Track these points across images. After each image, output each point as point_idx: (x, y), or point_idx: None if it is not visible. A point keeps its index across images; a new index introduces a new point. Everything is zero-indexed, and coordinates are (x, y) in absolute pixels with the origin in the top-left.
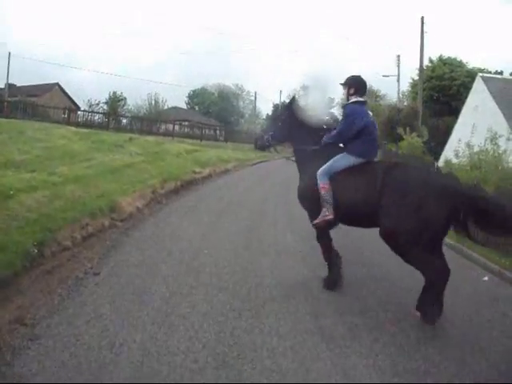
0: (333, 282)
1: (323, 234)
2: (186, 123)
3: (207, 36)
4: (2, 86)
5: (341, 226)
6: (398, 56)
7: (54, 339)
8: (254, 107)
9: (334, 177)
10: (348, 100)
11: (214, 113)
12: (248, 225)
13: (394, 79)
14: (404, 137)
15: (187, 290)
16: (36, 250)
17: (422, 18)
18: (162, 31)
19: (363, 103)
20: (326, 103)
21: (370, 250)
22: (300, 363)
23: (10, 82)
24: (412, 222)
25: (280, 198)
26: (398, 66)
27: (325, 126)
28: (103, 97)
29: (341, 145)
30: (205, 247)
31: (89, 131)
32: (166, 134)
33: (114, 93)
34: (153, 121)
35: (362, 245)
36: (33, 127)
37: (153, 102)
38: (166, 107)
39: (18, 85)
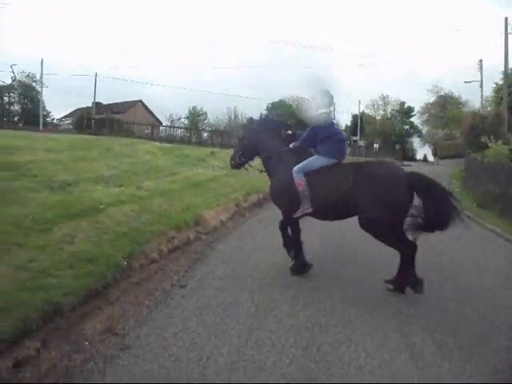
0: (300, 267)
1: (293, 225)
2: None
3: (284, 47)
4: (90, 105)
5: None
6: (481, 60)
7: (144, 350)
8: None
9: (310, 175)
10: (316, 111)
11: (292, 125)
12: (331, 238)
13: (475, 85)
14: (489, 145)
15: (273, 304)
16: (125, 263)
17: (506, 19)
18: (239, 44)
19: (329, 113)
20: None
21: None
22: (389, 382)
23: (96, 100)
24: (385, 209)
25: None
26: (481, 71)
27: (289, 132)
28: (184, 112)
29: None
30: (289, 260)
31: (172, 146)
32: None
33: (194, 107)
34: (232, 134)
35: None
36: (119, 143)
37: (232, 116)
38: (245, 120)
39: (104, 103)
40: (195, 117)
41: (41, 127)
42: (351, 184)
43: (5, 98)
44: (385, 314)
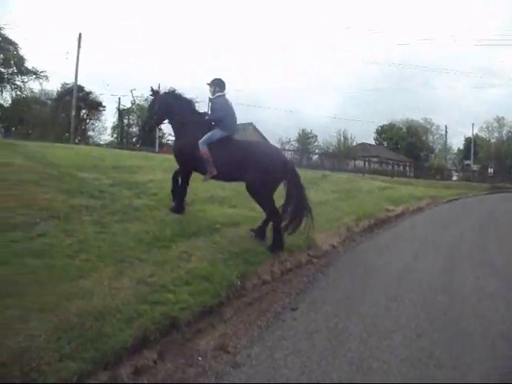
0: (178, 208)
1: (186, 178)
2: (375, 159)
3: (393, 70)
4: None
5: None
6: None
7: (254, 369)
8: (445, 142)
9: (212, 146)
10: (213, 95)
11: (402, 148)
12: (445, 267)
13: None
14: None
15: (385, 332)
16: (239, 282)
17: None
18: (345, 67)
19: (224, 95)
20: None
21: None
22: None
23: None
24: (265, 174)
25: (478, 239)
26: None
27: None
28: (293, 134)
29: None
30: (402, 288)
31: None
32: (356, 170)
33: (303, 130)
34: (342, 157)
35: None
36: None
37: (342, 139)
38: (354, 143)
39: None
40: (305, 139)
41: (156, 148)
42: (245, 154)
43: (125, 120)
44: (504, 350)
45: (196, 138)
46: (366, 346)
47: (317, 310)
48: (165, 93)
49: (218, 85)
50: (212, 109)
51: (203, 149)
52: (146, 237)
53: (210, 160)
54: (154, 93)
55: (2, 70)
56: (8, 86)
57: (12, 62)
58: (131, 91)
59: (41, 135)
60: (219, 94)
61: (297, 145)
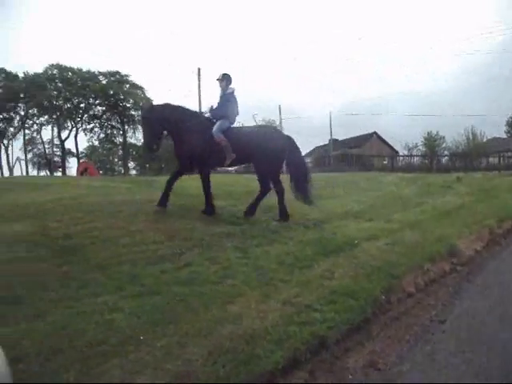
0: (211, 210)
1: (208, 178)
2: (509, 154)
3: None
4: (327, 142)
5: None
6: None
7: None
8: None
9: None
10: (225, 89)
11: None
12: None
13: None
14: None
15: None
16: (383, 297)
17: None
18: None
19: (233, 90)
20: None
21: None
22: None
23: (333, 137)
24: (271, 161)
25: None
26: None
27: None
28: (419, 138)
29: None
30: None
31: (415, 175)
32: (490, 168)
33: (429, 133)
34: (474, 156)
35: None
36: (363, 177)
37: (470, 136)
38: (484, 139)
39: (340, 139)
40: (432, 142)
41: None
42: (250, 138)
43: None
44: None
45: (205, 133)
46: None
47: (467, 322)
48: (159, 106)
49: (229, 80)
50: (225, 103)
51: (220, 136)
52: (287, 258)
53: (228, 145)
54: (147, 110)
55: (133, 112)
56: (140, 127)
57: (141, 104)
58: (253, 116)
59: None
60: (230, 88)
61: (424, 149)
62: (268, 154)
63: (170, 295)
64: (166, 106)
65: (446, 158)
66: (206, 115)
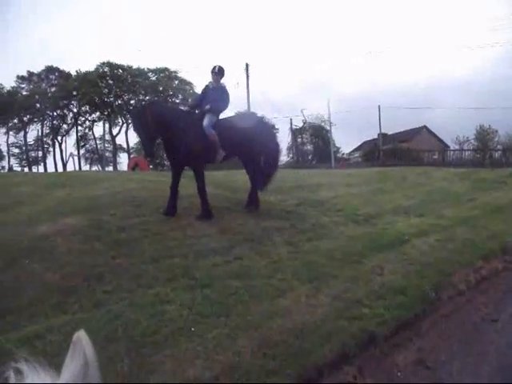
0: (208, 214)
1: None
2: None
3: None
4: (376, 136)
5: None
6: None
7: None
8: None
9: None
10: (218, 83)
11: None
12: None
13: None
14: None
15: None
16: (434, 294)
17: None
18: None
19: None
20: None
21: None
22: None
23: (382, 131)
24: (254, 144)
25: None
26: None
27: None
28: (471, 132)
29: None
30: None
31: (467, 170)
32: None
33: (481, 126)
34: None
35: None
36: (413, 172)
37: None
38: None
39: (389, 133)
40: (484, 136)
41: (332, 164)
42: (235, 131)
43: (298, 139)
44: None
45: (197, 130)
46: None
47: None
48: (154, 104)
49: (222, 73)
50: (223, 96)
51: (212, 132)
52: (337, 253)
53: (217, 140)
54: (139, 111)
55: (183, 108)
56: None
57: (189, 100)
58: (302, 111)
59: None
60: (222, 83)
61: (476, 143)
62: (253, 144)
63: (220, 288)
64: (159, 106)
65: (499, 152)
66: (197, 111)
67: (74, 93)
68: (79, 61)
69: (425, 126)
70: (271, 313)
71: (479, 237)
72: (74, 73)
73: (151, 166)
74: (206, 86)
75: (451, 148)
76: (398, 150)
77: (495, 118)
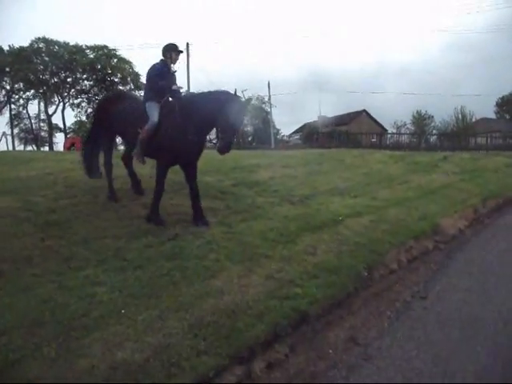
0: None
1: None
2: (498, 134)
3: (502, 36)
4: (316, 119)
5: None
6: None
7: (386, 361)
8: None
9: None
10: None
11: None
12: None
13: None
14: None
15: None
16: (366, 273)
17: None
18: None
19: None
20: None
21: None
22: None
23: (322, 114)
24: None
25: None
26: None
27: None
28: (407, 117)
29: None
30: None
31: (402, 153)
32: (478, 148)
33: (418, 111)
34: (461, 136)
35: None
36: (351, 154)
37: (460, 116)
38: (473, 119)
39: (330, 116)
40: (420, 121)
41: (272, 145)
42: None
43: None
44: None
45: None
46: (503, 336)
47: (447, 299)
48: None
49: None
50: (174, 80)
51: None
52: (271, 233)
53: None
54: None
55: (121, 87)
56: None
57: (129, 79)
58: (243, 92)
59: None
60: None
61: (412, 127)
62: None
63: (153, 269)
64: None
65: (435, 137)
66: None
67: (7, 69)
68: (12, 35)
69: (364, 110)
70: (203, 293)
71: (411, 218)
72: (6, 48)
73: None
74: (166, 65)
75: (389, 132)
76: (337, 132)
77: (432, 104)
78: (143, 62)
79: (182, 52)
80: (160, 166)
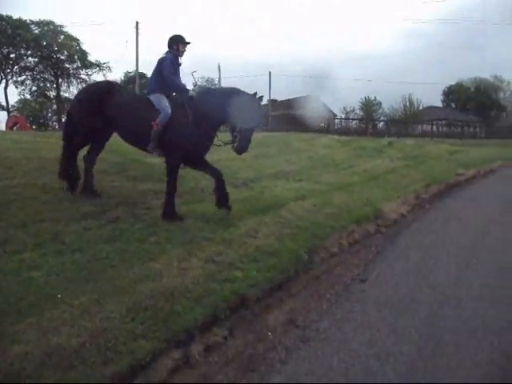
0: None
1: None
2: (443, 122)
3: (455, 27)
4: (266, 102)
5: None
6: None
7: (323, 343)
8: None
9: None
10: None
11: (471, 109)
12: None
13: None
14: None
15: (456, 302)
16: (307, 257)
17: None
18: (407, 27)
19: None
20: None
21: None
22: None
23: (272, 97)
24: None
25: None
26: None
27: None
28: (357, 103)
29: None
30: (473, 257)
31: (349, 139)
32: (424, 135)
33: (367, 98)
34: (409, 123)
35: None
36: (298, 138)
37: (407, 104)
38: (421, 107)
39: (279, 99)
40: (369, 107)
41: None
42: None
43: None
44: None
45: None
46: (437, 317)
47: (386, 281)
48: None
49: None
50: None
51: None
52: (213, 216)
53: None
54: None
55: (67, 65)
56: (74, 81)
57: (76, 57)
58: (192, 73)
59: None
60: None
61: (361, 113)
62: None
63: (91, 253)
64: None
65: (382, 123)
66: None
67: None
68: None
69: (315, 95)
70: (142, 277)
71: (354, 202)
72: None
73: (34, 127)
74: (176, 58)
75: (338, 117)
76: (286, 116)
77: (383, 91)
78: (90, 39)
79: (189, 43)
80: (171, 166)
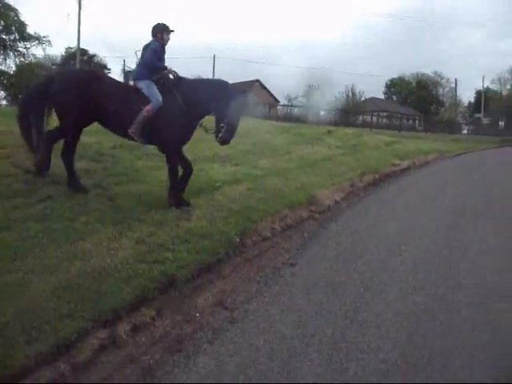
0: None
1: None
2: (384, 114)
3: (403, 23)
4: None
5: None
6: None
7: (251, 324)
8: (455, 95)
9: None
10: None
11: (412, 102)
12: (448, 222)
13: None
14: None
15: (381, 286)
16: (238, 239)
17: None
18: (354, 19)
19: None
20: None
21: None
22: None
23: None
24: None
25: (483, 194)
26: None
27: None
28: (301, 90)
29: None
30: (402, 243)
31: (289, 125)
32: (364, 125)
33: (310, 86)
34: (350, 112)
35: None
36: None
37: (350, 94)
38: (363, 98)
39: None
40: (311, 95)
41: None
42: None
43: (130, 82)
44: (502, 306)
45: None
46: (362, 301)
47: (316, 266)
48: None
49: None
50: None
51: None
52: (147, 197)
53: None
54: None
55: (4, 36)
56: (11, 53)
57: (13, 28)
58: (135, 52)
59: None
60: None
61: (304, 101)
62: None
63: (19, 231)
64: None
65: (324, 112)
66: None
67: None
68: None
69: (257, 80)
70: (70, 256)
71: (289, 187)
72: None
73: None
74: (161, 45)
75: (280, 103)
76: None
77: (327, 81)
78: (29, 10)
79: (173, 31)
80: (170, 151)
